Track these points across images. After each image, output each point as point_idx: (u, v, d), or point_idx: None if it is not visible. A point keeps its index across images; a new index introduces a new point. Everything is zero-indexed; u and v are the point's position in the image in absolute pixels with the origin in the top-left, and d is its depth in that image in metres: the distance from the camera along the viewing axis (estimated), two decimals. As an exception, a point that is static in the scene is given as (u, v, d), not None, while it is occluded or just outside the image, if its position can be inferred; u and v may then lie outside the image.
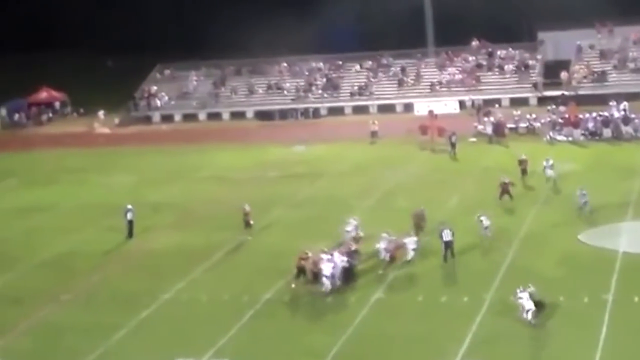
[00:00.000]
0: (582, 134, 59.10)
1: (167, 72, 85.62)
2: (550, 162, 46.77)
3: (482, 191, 46.84)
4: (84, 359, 30.01)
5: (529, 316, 30.01)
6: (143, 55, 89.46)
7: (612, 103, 61.70)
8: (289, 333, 31.15)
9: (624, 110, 60.52)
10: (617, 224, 40.28)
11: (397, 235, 37.17)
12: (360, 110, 75.49)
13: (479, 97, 72.48)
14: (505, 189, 44.18)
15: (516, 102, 70.62)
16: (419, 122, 62.57)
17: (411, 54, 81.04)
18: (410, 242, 36.90)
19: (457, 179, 50.38)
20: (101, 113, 79.55)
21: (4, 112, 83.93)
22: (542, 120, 61.49)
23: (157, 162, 61.58)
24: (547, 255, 36.73)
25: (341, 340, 30.05)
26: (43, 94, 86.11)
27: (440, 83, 76.51)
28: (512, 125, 62.00)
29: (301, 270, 35.04)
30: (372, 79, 78.94)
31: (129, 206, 43.54)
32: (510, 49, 79.18)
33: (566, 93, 70.39)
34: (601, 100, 64.33)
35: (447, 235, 36.49)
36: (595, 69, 73.77)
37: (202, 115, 79.55)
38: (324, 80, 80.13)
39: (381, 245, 36.72)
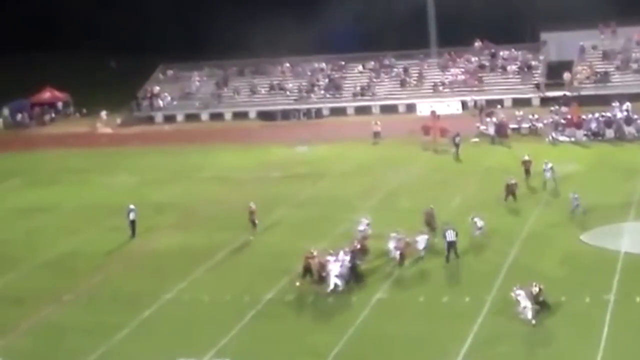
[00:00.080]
0: (585, 135, 59.05)
1: (169, 72, 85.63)
2: (549, 165, 46.53)
3: (485, 191, 46.87)
4: (85, 359, 30.03)
5: (528, 314, 30.03)
6: (146, 55, 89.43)
7: (615, 104, 61.62)
8: (290, 333, 31.16)
9: (627, 110, 60.47)
10: (619, 224, 40.26)
11: (408, 234, 37.20)
12: (362, 110, 75.45)
13: (482, 98, 72.42)
14: (511, 190, 44.09)
15: (519, 103, 70.55)
16: (422, 123, 62.58)
17: (414, 55, 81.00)
18: (422, 240, 37.07)
19: (460, 179, 50.37)
20: (104, 113, 79.58)
21: (6, 112, 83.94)
22: (545, 121, 61.44)
23: (159, 162, 61.60)
24: (549, 256, 36.73)
25: (343, 340, 30.06)
26: (46, 94, 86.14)
27: (442, 84, 76.47)
28: (515, 126, 61.94)
29: (307, 270, 35.01)
30: (374, 80, 78.92)
31: (132, 206, 43.59)
32: (513, 50, 79.11)
33: (568, 94, 70.34)
34: (604, 101, 64.24)
35: (450, 236, 36.52)
36: (598, 70, 73.68)
37: (204, 116, 79.54)
38: (327, 80, 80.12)
39: (391, 244, 36.80)
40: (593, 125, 59.30)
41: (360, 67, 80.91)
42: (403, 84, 77.69)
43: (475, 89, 74.73)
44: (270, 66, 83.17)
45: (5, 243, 44.44)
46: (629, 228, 39.72)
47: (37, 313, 34.32)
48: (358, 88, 78.21)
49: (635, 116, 59.35)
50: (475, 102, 72.06)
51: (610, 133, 58.87)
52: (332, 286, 33.99)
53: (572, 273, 34.81)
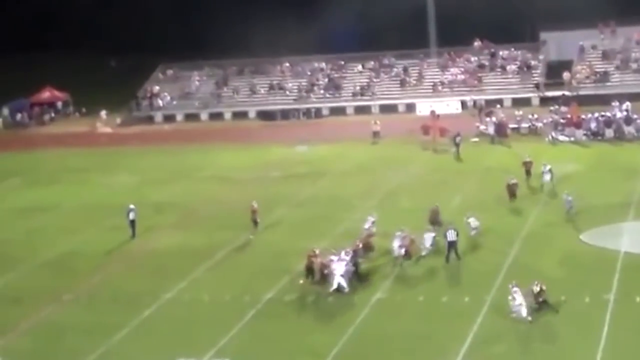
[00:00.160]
0: (584, 134, 59.05)
1: (169, 72, 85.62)
2: (548, 167, 46.28)
3: (485, 191, 46.88)
4: (85, 359, 30.04)
5: (523, 312, 30.08)
6: (145, 55, 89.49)
7: (615, 103, 61.64)
8: (290, 333, 31.16)
9: (627, 110, 60.48)
10: (619, 224, 40.26)
11: (413, 232, 37.31)
12: (362, 110, 75.46)
13: (481, 98, 72.43)
14: (512, 190, 44.02)
15: (518, 103, 70.56)
16: (421, 123, 62.57)
17: (413, 54, 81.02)
18: (428, 237, 37.20)
19: (460, 179, 50.37)
20: (103, 113, 79.57)
21: (6, 112, 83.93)
22: (545, 121, 61.44)
23: (159, 162, 61.59)
24: (549, 255, 36.74)
25: (342, 340, 30.07)
26: (45, 94, 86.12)
27: (442, 83, 76.48)
28: (515, 126, 61.95)
29: (310, 269, 34.98)
30: (374, 79, 78.93)
31: (132, 206, 43.57)
32: (512, 50, 79.14)
33: (567, 93, 70.36)
34: (603, 101, 64.25)
35: (451, 236, 36.52)
36: (598, 70, 73.71)
37: (204, 115, 79.54)
38: (326, 80, 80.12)
39: (395, 242, 36.88)
40: (593, 125, 59.29)
41: (359, 67, 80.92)
42: (403, 83, 77.71)
43: (474, 88, 74.76)
44: (270, 66, 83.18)
45: (5, 243, 44.44)
46: (628, 228, 39.72)
47: (37, 313, 34.32)
48: (358, 88, 78.22)
49: (635, 116, 59.33)
50: (475, 101, 72.07)
51: (609, 133, 58.87)
52: (335, 286, 33.90)
53: (572, 273, 34.83)
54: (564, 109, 63.30)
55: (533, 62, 77.26)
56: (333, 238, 39.64)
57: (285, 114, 76.18)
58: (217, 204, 48.71)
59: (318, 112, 76.34)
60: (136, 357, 30.22)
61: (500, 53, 78.93)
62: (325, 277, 34.55)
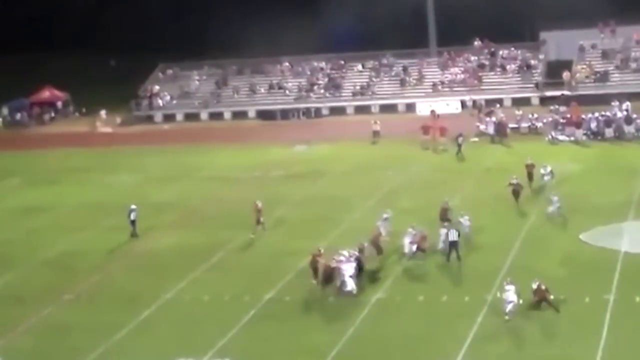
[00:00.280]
0: (584, 134, 59.05)
1: (169, 71, 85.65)
2: (549, 169, 46.10)
3: (485, 191, 46.91)
4: (85, 358, 30.06)
5: (508, 308, 30.25)
6: (145, 54, 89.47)
7: (615, 103, 61.66)
8: (290, 333, 31.17)
9: (627, 110, 60.51)
10: (618, 224, 40.27)
11: (425, 229, 37.46)
12: (362, 110, 75.46)
13: (481, 97, 72.48)
14: (516, 190, 43.92)
15: (518, 102, 70.58)
16: (421, 122, 62.53)
17: (413, 54, 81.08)
18: (443, 233, 37.30)
19: (460, 178, 50.37)
20: (103, 112, 79.56)
21: (6, 111, 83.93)
22: (544, 120, 61.46)
23: (159, 161, 61.59)
24: (549, 255, 36.75)
25: (342, 339, 30.08)
26: (45, 94, 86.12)
27: (442, 83, 76.49)
28: (514, 125, 61.96)
29: (316, 269, 34.88)
30: (374, 79, 78.93)
31: (133, 206, 43.52)
32: (512, 49, 79.17)
33: (566, 93, 70.39)
34: (603, 100, 64.24)
35: (453, 235, 36.53)
36: (598, 69, 73.73)
37: (204, 115, 79.54)
38: (326, 79, 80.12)
39: (406, 239, 36.90)
40: (593, 125, 59.29)
41: (359, 67, 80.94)
42: (403, 83, 77.72)
43: (474, 88, 74.76)
44: (270, 65, 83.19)
45: (5, 242, 44.45)
46: (628, 228, 39.72)
47: (37, 312, 34.33)
48: (358, 87, 78.23)
49: (635, 115, 59.38)
50: (474, 101, 72.10)
51: (609, 132, 58.87)
52: (349, 287, 33.77)
53: (572, 273, 34.83)
54: (563, 108, 63.30)
55: (533, 62, 77.27)
56: (333, 238, 39.62)
57: (285, 114, 76.18)
58: (217, 204, 48.72)
59: (318, 112, 76.34)
60: (136, 357, 30.23)
61: (500, 52, 78.96)
62: (329, 278, 34.43)
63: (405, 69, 78.89)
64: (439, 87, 75.91)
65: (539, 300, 30.95)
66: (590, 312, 30.82)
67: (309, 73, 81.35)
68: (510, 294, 30.56)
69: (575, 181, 47.97)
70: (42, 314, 34.24)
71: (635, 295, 31.83)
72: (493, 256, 37.02)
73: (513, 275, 32.71)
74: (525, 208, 43.41)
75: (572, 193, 44.85)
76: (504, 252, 37.31)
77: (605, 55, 75.24)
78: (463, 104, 72.92)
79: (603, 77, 72.59)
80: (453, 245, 36.50)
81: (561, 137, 59.09)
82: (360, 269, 34.90)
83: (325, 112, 76.66)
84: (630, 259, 35.62)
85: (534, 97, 73.16)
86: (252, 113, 78.20)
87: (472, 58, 78.94)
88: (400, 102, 75.70)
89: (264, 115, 76.89)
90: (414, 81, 77.69)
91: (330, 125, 71.87)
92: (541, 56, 77.97)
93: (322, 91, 78.90)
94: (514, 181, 44.14)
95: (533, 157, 48.56)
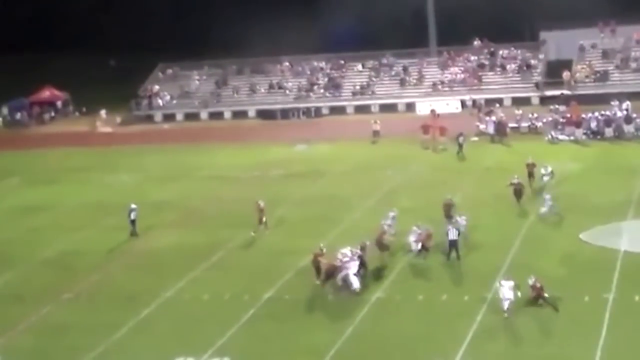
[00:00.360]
0: (584, 134, 59.05)
1: (169, 71, 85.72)
2: (549, 169, 45.92)
3: (485, 190, 46.89)
4: (84, 357, 30.05)
5: (505, 306, 30.28)
6: (145, 54, 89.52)
7: (615, 102, 61.66)
8: (289, 332, 31.16)
9: (626, 109, 60.50)
10: (618, 223, 40.23)
11: (430, 227, 37.56)
12: (362, 109, 75.51)
13: (481, 97, 72.52)
14: (517, 190, 43.88)
15: (518, 102, 70.60)
16: (421, 122, 62.53)
17: (413, 54, 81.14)
18: (462, 225, 37.44)
19: (459, 178, 50.35)
20: (103, 112, 79.62)
21: (6, 111, 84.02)
22: (544, 120, 61.47)
23: (159, 161, 61.62)
24: (549, 254, 36.73)
25: (342, 339, 30.06)
26: (45, 93, 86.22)
27: (442, 82, 76.54)
28: (514, 125, 61.97)
29: (319, 268, 34.85)
30: (374, 79, 78.97)
31: (133, 205, 43.50)
32: (512, 49, 79.23)
33: (566, 92, 70.41)
34: (603, 100, 64.23)
35: (452, 234, 36.54)
36: (598, 69, 73.76)
37: (203, 115, 79.59)
38: (326, 79, 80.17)
39: (411, 237, 36.95)
40: (593, 124, 59.29)
41: (359, 66, 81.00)
42: (402, 83, 77.75)
43: (474, 87, 74.78)
44: (270, 65, 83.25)
45: (5, 242, 44.43)
46: (628, 227, 39.69)
47: (37, 311, 34.32)
48: (357, 87, 78.28)
49: (635, 115, 59.38)
50: (474, 101, 72.14)
51: (609, 132, 58.87)
52: (355, 285, 33.74)
53: (572, 272, 34.82)
54: (563, 108, 63.28)
55: (533, 62, 77.31)
56: (333, 237, 39.58)
57: (285, 113, 76.22)
58: (217, 203, 48.73)
59: (318, 112, 76.38)
60: (135, 356, 30.21)
61: (500, 52, 79.01)
62: (332, 277, 34.38)
63: (405, 68, 78.93)
64: (439, 87, 75.94)
65: (536, 297, 31.03)
66: (589, 311, 30.80)
67: (309, 73, 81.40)
68: (506, 290, 30.62)
69: (575, 180, 47.98)
70: (41, 313, 34.23)
71: (635, 294, 31.81)
72: (493, 255, 37.00)
73: (513, 274, 32.68)
74: (525, 207, 43.38)
75: (572, 192, 44.88)
76: (503, 251, 37.30)
77: (605, 54, 75.27)
78: (463, 103, 72.99)
79: (603, 76, 72.63)
80: (453, 244, 36.52)
81: (561, 137, 59.10)
82: (363, 267, 34.88)
83: (325, 111, 76.71)
84: (630, 258, 35.61)
85: (534, 96, 73.20)
86: (252, 113, 78.26)
87: (472, 58, 78.97)
88: (400, 101, 75.75)
89: (264, 114, 76.93)
90: (414, 81, 77.73)
91: (330, 124, 71.90)
92: (541, 56, 78.01)
93: (322, 91, 78.95)
94: (515, 181, 44.08)
95: (533, 156, 48.53)
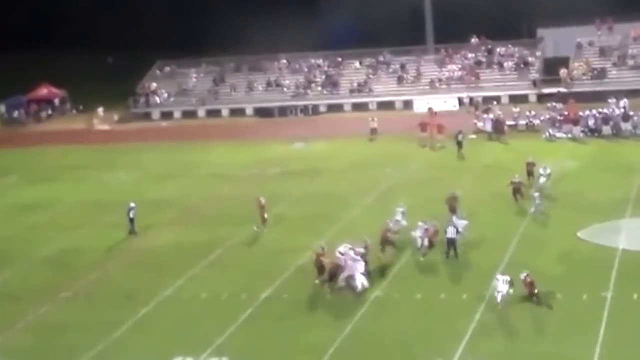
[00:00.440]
0: (582, 131, 59.07)
1: (166, 69, 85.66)
2: (548, 171, 45.54)
3: (483, 188, 46.90)
4: (83, 356, 30.03)
5: (498, 298, 30.45)
6: (143, 52, 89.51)
7: (612, 100, 61.69)
8: (288, 330, 31.16)
9: (624, 107, 60.53)
10: (616, 221, 40.25)
11: (437, 223, 37.64)
12: (359, 107, 75.51)
13: (479, 95, 72.55)
14: (518, 189, 43.83)
15: (516, 100, 70.60)
16: (419, 120, 62.54)
17: (411, 51, 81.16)
18: (461, 226, 37.37)
19: (457, 176, 50.34)
20: (101, 110, 79.56)
21: (3, 109, 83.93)
22: (542, 118, 61.49)
23: (157, 159, 61.58)
24: (547, 253, 36.74)
25: (341, 337, 30.07)
26: (43, 91, 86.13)
27: (440, 80, 76.55)
28: (512, 123, 61.99)
29: (322, 268, 34.80)
30: (371, 76, 78.98)
31: (132, 204, 43.47)
32: (510, 46, 79.28)
33: (563, 90, 70.44)
34: (601, 98, 64.28)
35: (451, 233, 36.55)
36: (595, 66, 73.79)
37: (201, 112, 79.55)
38: (324, 77, 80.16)
39: (417, 233, 36.98)
40: (590, 122, 59.30)
41: (357, 64, 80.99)
42: (400, 80, 77.76)
43: (472, 85, 74.80)
44: (268, 63, 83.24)
45: (3, 240, 44.40)
46: (626, 225, 39.70)
47: (35, 310, 34.29)
48: (355, 85, 78.27)
49: (632, 113, 59.41)
50: (471, 99, 72.16)
51: (607, 130, 58.88)
52: (360, 286, 33.69)
53: (570, 270, 34.84)
54: (561, 106, 63.28)
55: (530, 59, 77.34)
56: (331, 235, 39.58)
57: (283, 111, 76.20)
58: (216, 201, 48.72)
59: (316, 109, 76.37)
60: (134, 355, 30.20)
61: (498, 50, 79.06)
62: (334, 276, 34.33)
63: (402, 66, 78.95)
64: (437, 85, 75.97)
65: (531, 293, 31.08)
66: (588, 310, 30.82)
67: (306, 70, 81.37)
68: (500, 284, 30.80)
69: (573, 178, 48.00)
70: (39, 312, 34.20)
71: (633, 292, 31.84)
72: (491, 253, 37.01)
73: (511, 273, 32.71)
74: (524, 206, 43.38)
75: (570, 190, 44.92)
76: (502, 249, 37.32)
77: (603, 52, 75.30)
78: (461, 101, 73.01)
79: (600, 74, 72.66)
80: (451, 242, 36.55)
81: (559, 135, 59.12)
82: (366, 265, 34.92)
83: (323, 109, 76.70)
84: (628, 257, 35.64)
85: (532, 94, 73.23)
86: (249, 110, 78.22)
87: (470, 55, 79.01)
88: (398, 99, 75.76)
89: (262, 112, 76.90)
90: (412, 79, 77.75)
91: (328, 122, 71.89)
92: (538, 53, 78.04)
93: (319, 89, 78.94)
94: (516, 180, 44.02)
95: (531, 154, 48.51)
